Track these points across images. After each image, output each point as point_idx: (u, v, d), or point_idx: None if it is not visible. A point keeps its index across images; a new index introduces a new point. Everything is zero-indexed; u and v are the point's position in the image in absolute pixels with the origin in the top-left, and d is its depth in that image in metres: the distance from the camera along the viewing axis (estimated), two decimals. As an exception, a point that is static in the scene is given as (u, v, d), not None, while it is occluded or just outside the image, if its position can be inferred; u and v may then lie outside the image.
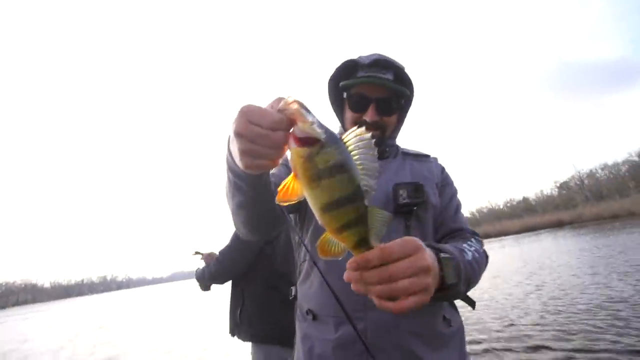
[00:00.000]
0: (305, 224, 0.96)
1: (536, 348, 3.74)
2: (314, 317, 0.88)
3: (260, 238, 0.82)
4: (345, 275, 0.50)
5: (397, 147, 1.06)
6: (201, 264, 2.19)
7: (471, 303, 0.88)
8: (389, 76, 0.95)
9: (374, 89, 0.94)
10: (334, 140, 0.44)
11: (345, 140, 0.46)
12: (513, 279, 8.37)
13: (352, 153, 0.45)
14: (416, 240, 0.53)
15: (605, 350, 3.36)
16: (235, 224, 0.78)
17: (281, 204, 0.47)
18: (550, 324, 4.50)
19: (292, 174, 0.46)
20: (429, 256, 0.53)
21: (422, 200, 0.88)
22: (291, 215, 0.99)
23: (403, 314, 0.54)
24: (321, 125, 0.44)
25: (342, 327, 0.81)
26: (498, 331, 4.47)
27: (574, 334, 3.94)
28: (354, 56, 0.99)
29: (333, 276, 0.80)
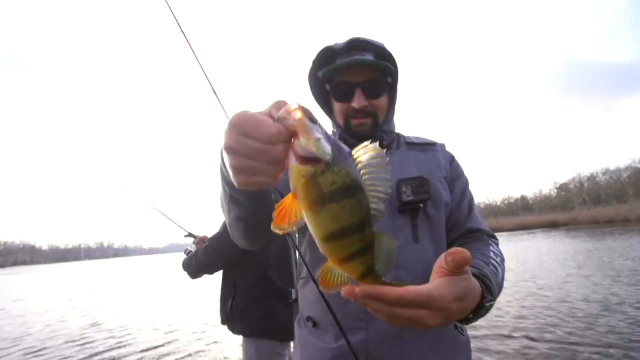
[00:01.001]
0: (304, 229, 0.92)
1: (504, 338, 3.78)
2: (314, 325, 0.84)
3: (260, 247, 0.77)
4: (346, 292, 0.44)
5: (400, 135, 0.99)
6: (189, 243, 2.07)
7: None
8: (369, 56, 0.88)
9: (356, 73, 0.87)
10: (341, 159, 0.39)
11: (354, 157, 0.41)
12: None
13: (361, 172, 0.40)
14: (449, 296, 0.47)
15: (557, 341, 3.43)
16: (232, 235, 0.73)
17: (277, 232, 0.41)
18: (518, 316, 4.53)
19: (290, 194, 0.40)
20: (449, 313, 0.48)
21: (428, 196, 0.82)
22: None
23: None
24: (327, 140, 0.38)
25: (342, 337, 0.77)
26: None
27: (534, 327, 3.95)
28: (330, 44, 0.92)
29: None
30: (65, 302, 10.87)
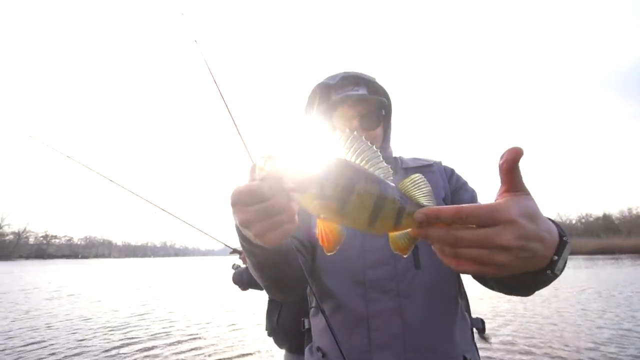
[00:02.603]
0: (313, 257, 0.91)
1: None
2: (324, 355, 0.85)
3: (297, 297, 0.80)
4: (414, 234, 0.46)
5: (397, 160, 1.01)
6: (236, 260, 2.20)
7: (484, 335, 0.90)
8: (363, 91, 0.94)
9: (352, 107, 0.92)
10: (326, 164, 0.43)
11: (335, 152, 0.45)
12: (556, 304, 7.30)
13: (348, 157, 0.44)
14: (514, 209, 0.41)
15: None
16: (270, 294, 0.78)
17: (333, 252, 0.46)
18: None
19: (318, 220, 0.46)
20: (521, 231, 0.40)
21: None
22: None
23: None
24: (304, 160, 0.42)
25: None
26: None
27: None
28: (321, 79, 0.98)
29: (339, 317, 0.82)
30: (131, 292, 11.95)
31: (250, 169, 0.46)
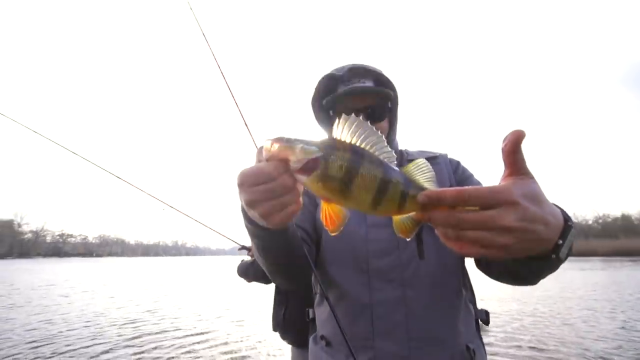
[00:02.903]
0: (317, 248, 0.91)
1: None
2: (327, 344, 0.86)
3: (301, 284, 0.81)
4: (417, 217, 0.46)
5: (403, 153, 1.02)
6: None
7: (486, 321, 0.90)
8: (370, 83, 0.95)
9: (359, 99, 0.92)
10: (331, 146, 0.44)
11: (340, 136, 0.45)
12: (564, 305, 7.22)
13: (353, 141, 0.45)
14: (516, 190, 0.40)
15: None
16: (274, 280, 0.79)
17: (336, 233, 0.47)
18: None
19: (322, 202, 0.47)
20: (524, 213, 0.40)
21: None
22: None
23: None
24: (309, 143, 0.43)
25: (352, 357, 0.79)
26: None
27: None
28: (328, 71, 0.98)
29: (343, 306, 0.83)
30: (143, 289, 12.26)
31: (257, 151, 0.47)
